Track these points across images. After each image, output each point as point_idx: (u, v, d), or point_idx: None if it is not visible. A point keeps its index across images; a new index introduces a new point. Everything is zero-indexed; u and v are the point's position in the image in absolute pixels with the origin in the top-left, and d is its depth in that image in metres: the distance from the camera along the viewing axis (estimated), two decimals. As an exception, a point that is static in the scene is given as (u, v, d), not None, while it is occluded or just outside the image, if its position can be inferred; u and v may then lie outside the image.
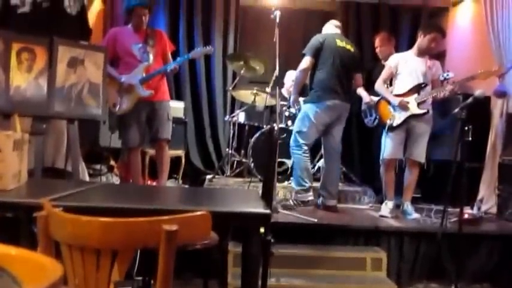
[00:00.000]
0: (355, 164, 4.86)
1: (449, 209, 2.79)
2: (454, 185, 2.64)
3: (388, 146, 3.29)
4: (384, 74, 3.44)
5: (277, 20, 3.00)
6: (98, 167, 3.73)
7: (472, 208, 3.61)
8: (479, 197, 3.68)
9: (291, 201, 3.32)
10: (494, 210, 3.52)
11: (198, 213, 1.07)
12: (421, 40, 3.29)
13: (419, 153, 3.27)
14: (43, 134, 2.59)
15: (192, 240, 1.08)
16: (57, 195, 1.43)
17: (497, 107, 3.66)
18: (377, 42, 4.08)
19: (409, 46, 3.71)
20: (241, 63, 4.31)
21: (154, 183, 4.00)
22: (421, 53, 3.32)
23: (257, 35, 5.19)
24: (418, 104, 3.24)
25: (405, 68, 3.33)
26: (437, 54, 5.06)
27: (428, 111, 3.26)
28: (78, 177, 2.92)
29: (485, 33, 3.73)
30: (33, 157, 2.46)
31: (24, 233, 1.58)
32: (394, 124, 3.28)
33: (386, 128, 3.33)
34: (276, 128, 1.69)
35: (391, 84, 3.50)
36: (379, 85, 3.44)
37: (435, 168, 4.14)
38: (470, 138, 2.71)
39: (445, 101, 4.04)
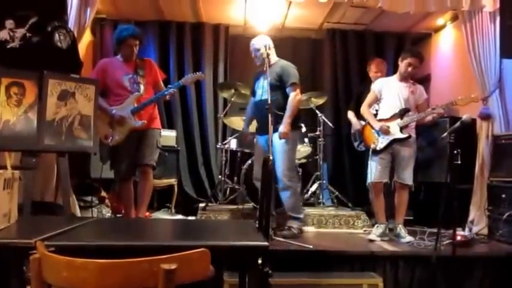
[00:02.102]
0: (348, 188, 4.88)
1: (441, 231, 2.82)
2: (445, 207, 2.68)
3: (373, 170, 3.35)
4: (369, 99, 3.54)
5: (259, 59, 3.08)
6: (88, 198, 3.67)
7: (463, 229, 3.63)
8: (470, 218, 3.71)
9: (293, 229, 3.29)
10: (485, 231, 3.54)
11: (197, 250, 1.06)
12: (400, 65, 3.42)
13: (407, 176, 3.32)
14: (33, 168, 2.55)
15: (191, 278, 1.06)
16: (49, 233, 1.40)
17: (482, 129, 3.75)
18: (374, 67, 4.17)
19: (395, 71, 3.81)
20: (232, 91, 4.37)
21: (147, 214, 3.95)
22: (403, 78, 3.42)
23: (247, 63, 5.27)
24: (401, 129, 3.32)
25: (389, 93, 3.42)
26: (422, 79, 5.23)
27: (410, 136, 3.33)
28: (69, 210, 2.87)
29: (467, 58, 3.85)
30: (23, 192, 2.41)
31: (14, 274, 1.54)
32: (378, 148, 3.36)
33: (371, 152, 3.41)
34: (271, 158, 1.70)
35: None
36: (364, 109, 3.53)
37: (426, 191, 4.18)
38: (459, 162, 2.76)
39: (433, 125, 4.14)
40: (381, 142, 3.35)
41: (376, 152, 3.37)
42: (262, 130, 3.26)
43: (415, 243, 3.14)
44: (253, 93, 3.54)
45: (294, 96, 3.29)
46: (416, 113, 3.38)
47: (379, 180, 3.35)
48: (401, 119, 3.34)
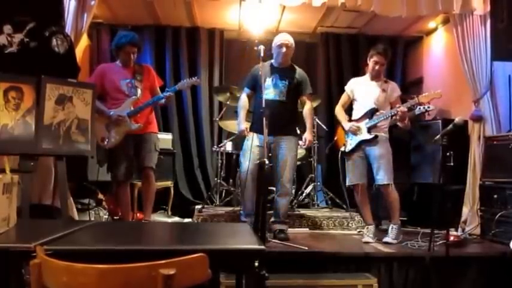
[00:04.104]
0: (342, 189, 4.91)
1: (435, 232, 2.86)
2: (438, 208, 2.72)
3: (348, 172, 3.36)
4: (342, 99, 3.53)
5: (262, 54, 3.09)
6: (86, 201, 3.69)
7: (456, 230, 3.68)
8: (462, 218, 3.76)
9: (286, 233, 3.32)
10: (477, 231, 3.59)
11: (195, 255, 1.08)
12: (369, 64, 3.40)
13: (382, 176, 3.25)
14: (31, 171, 2.57)
15: (189, 282, 1.08)
16: (48, 238, 1.41)
17: (474, 131, 3.80)
18: None
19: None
20: (228, 94, 4.40)
21: (142, 216, 3.97)
22: (373, 77, 3.41)
23: (241, 66, 5.32)
24: (369, 129, 3.30)
25: (359, 92, 3.42)
26: (414, 81, 5.29)
27: (377, 136, 3.28)
28: (67, 213, 2.89)
29: (458, 60, 3.90)
30: (21, 195, 2.43)
31: (14, 279, 1.55)
32: (347, 150, 3.36)
33: (341, 155, 3.41)
34: (266, 162, 1.72)
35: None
36: (337, 110, 3.52)
37: (419, 192, 4.23)
38: (452, 164, 2.81)
39: (425, 127, 4.18)
40: (350, 144, 3.35)
41: (346, 154, 3.37)
42: (279, 131, 3.21)
43: (409, 244, 3.16)
44: (256, 88, 3.34)
45: (312, 106, 3.42)
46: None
47: (356, 183, 3.34)
48: (370, 119, 3.32)
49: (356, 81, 3.50)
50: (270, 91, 3.26)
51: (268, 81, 3.29)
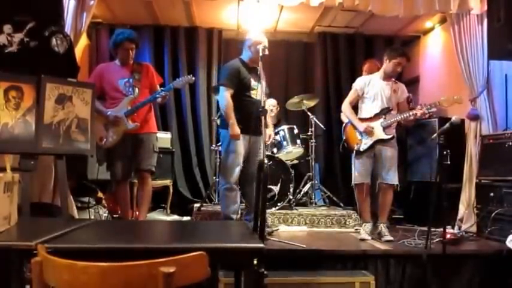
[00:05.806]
0: (339, 187, 4.95)
1: (431, 229, 2.89)
2: (435, 206, 2.75)
3: (357, 171, 3.37)
4: (351, 97, 3.50)
5: (261, 54, 3.10)
6: (86, 199, 3.71)
7: (453, 227, 3.72)
8: (459, 216, 3.79)
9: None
10: (474, 228, 3.63)
11: (195, 253, 1.09)
12: (386, 65, 3.38)
13: (391, 176, 3.30)
14: (31, 170, 2.59)
15: (189, 280, 1.09)
16: (49, 236, 1.42)
17: (471, 129, 3.83)
18: (368, 68, 4.11)
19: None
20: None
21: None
22: (386, 77, 3.41)
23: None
24: (384, 129, 3.32)
25: (371, 91, 3.41)
26: (411, 80, 5.32)
27: (394, 136, 3.32)
28: (67, 211, 2.91)
29: (455, 60, 3.93)
30: (21, 193, 2.44)
31: (15, 277, 1.57)
32: (361, 149, 3.35)
33: (354, 153, 3.40)
34: (265, 160, 1.74)
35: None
36: (345, 107, 3.50)
37: (416, 190, 4.26)
38: (448, 162, 2.84)
39: (422, 126, 4.21)
40: (364, 143, 3.34)
41: (359, 153, 3.37)
42: (256, 131, 3.18)
43: (405, 242, 3.19)
44: (242, 88, 3.28)
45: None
46: (397, 111, 3.39)
47: (362, 182, 3.36)
48: (384, 118, 3.33)
49: (367, 80, 3.47)
50: (256, 92, 3.26)
51: (252, 82, 3.29)
